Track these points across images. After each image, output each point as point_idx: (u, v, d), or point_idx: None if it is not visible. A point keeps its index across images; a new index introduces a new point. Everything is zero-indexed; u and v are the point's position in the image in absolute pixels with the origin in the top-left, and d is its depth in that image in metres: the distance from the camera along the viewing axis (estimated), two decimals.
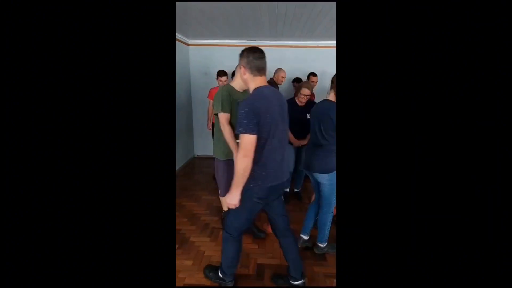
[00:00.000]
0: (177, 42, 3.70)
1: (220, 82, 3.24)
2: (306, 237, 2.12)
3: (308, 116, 2.36)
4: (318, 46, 4.07)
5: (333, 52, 4.07)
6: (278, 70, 3.18)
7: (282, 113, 1.40)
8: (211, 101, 3.23)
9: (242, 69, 1.39)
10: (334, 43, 4.03)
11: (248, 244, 2.18)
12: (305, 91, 2.53)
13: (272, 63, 3.82)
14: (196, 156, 4.68)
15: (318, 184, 1.94)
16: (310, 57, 4.09)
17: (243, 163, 1.28)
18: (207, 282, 1.75)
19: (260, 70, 1.37)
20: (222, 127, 1.90)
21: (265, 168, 1.37)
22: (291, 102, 2.58)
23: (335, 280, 1.78)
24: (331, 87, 2.00)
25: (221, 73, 3.29)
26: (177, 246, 2.15)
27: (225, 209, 2.31)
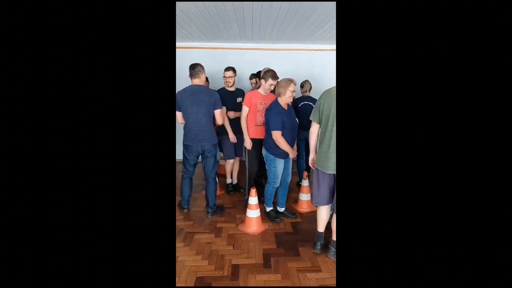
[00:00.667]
0: None
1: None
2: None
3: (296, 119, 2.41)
4: (288, 49, 4.18)
5: (301, 54, 4.21)
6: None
7: (195, 100, 2.34)
8: (246, 107, 2.53)
9: None
10: (302, 45, 4.15)
11: (223, 246, 2.16)
12: (293, 86, 2.23)
13: (247, 64, 3.89)
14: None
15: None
16: (281, 59, 4.18)
17: None
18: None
19: (191, 75, 2.40)
20: None
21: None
22: (277, 106, 2.26)
23: (307, 274, 1.83)
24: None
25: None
26: None
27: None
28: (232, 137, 2.81)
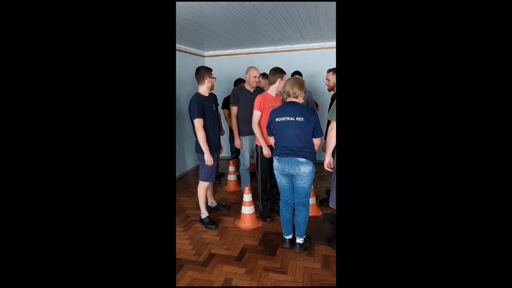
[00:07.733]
0: (194, 56, 4.33)
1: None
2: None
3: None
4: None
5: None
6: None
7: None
8: (259, 112, 2.29)
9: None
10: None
11: (212, 236, 2.35)
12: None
13: (244, 67, 3.80)
14: None
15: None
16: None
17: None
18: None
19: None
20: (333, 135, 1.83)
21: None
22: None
23: (270, 274, 1.76)
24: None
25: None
26: None
27: None
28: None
